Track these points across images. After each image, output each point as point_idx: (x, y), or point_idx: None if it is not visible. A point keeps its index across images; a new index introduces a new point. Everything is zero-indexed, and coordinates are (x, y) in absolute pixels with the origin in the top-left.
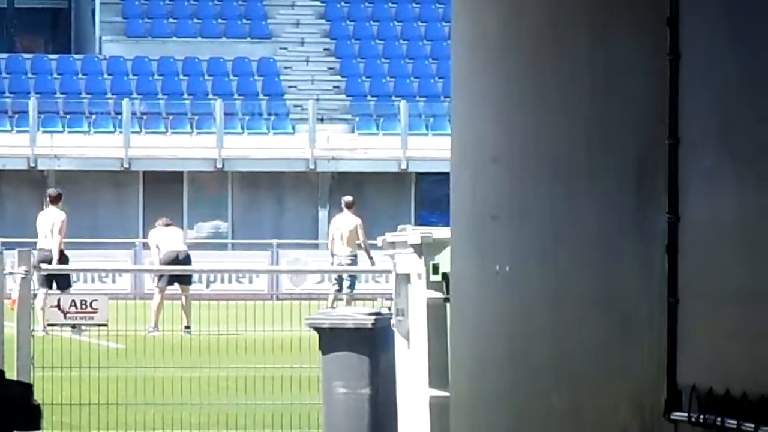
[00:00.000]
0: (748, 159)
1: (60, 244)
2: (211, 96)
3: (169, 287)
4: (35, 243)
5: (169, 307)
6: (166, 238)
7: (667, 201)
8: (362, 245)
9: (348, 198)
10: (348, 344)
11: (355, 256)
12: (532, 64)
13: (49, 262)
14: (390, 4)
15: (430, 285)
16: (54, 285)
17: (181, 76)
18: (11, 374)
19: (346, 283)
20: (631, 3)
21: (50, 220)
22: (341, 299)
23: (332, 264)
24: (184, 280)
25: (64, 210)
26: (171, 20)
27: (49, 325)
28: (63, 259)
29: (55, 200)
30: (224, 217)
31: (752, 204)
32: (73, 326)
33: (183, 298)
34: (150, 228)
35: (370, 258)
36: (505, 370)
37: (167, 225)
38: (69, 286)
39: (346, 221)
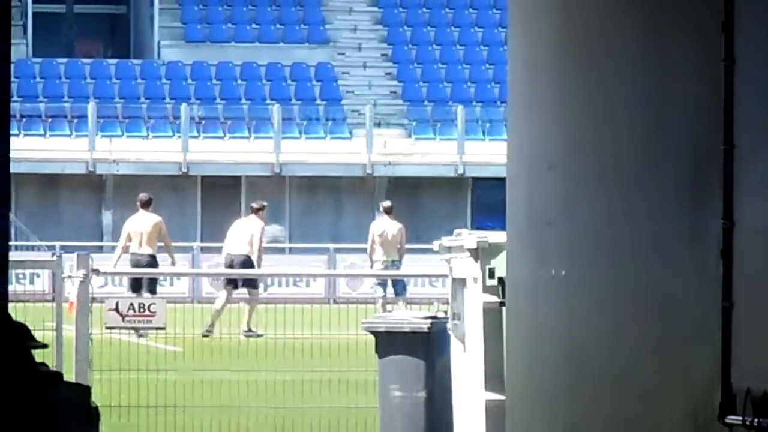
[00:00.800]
0: None
1: (170, 247)
2: (268, 101)
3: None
4: (95, 247)
5: (227, 311)
6: (232, 236)
7: (722, 206)
8: (400, 249)
9: (387, 203)
10: (404, 348)
11: (398, 260)
12: (588, 70)
13: (142, 266)
14: (447, 10)
15: (486, 289)
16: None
17: (239, 81)
18: (69, 376)
19: (390, 288)
20: (686, 8)
21: (144, 225)
22: (395, 302)
23: (372, 268)
24: (247, 283)
25: (126, 214)
26: (229, 25)
27: (107, 328)
28: (154, 263)
29: (146, 205)
30: (282, 222)
31: None
32: (136, 330)
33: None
34: (207, 231)
35: (401, 263)
36: (560, 374)
37: (257, 210)
38: (155, 291)
39: (390, 226)
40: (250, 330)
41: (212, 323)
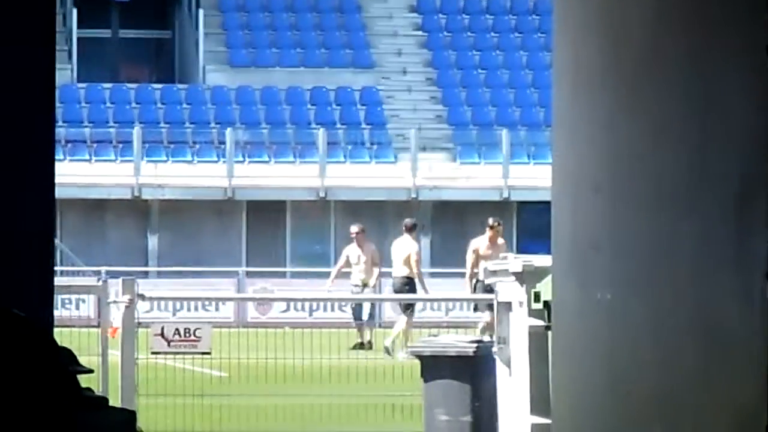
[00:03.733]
0: None
1: (419, 273)
2: (313, 125)
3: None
4: (140, 272)
5: (272, 336)
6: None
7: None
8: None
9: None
10: (450, 372)
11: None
12: (633, 92)
13: (402, 290)
14: (492, 34)
15: (532, 313)
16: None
17: (284, 106)
18: (115, 401)
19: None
20: (730, 29)
21: (404, 249)
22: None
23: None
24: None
25: (171, 239)
26: (274, 50)
27: (152, 353)
28: (413, 287)
29: (410, 230)
30: (327, 246)
31: None
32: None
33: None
34: (252, 256)
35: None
36: (606, 399)
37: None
38: (412, 312)
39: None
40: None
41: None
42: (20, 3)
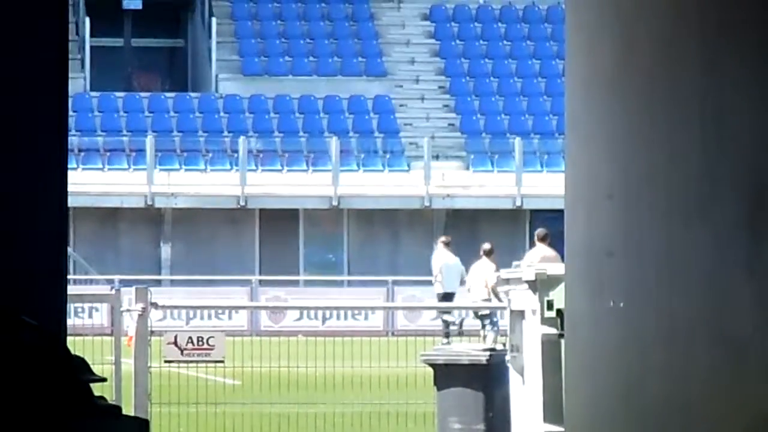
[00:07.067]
0: None
1: None
2: (326, 134)
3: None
4: (153, 280)
5: (285, 344)
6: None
7: None
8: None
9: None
10: (463, 380)
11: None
12: (646, 100)
13: None
14: (504, 42)
15: (545, 321)
16: None
17: (297, 114)
18: (128, 410)
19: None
20: (746, 40)
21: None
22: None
23: None
24: None
25: (185, 248)
26: (287, 58)
27: (166, 361)
28: None
29: (543, 239)
30: (340, 254)
31: None
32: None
33: None
34: (265, 265)
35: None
36: (619, 406)
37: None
38: None
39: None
40: None
41: None
42: (33, 11)
